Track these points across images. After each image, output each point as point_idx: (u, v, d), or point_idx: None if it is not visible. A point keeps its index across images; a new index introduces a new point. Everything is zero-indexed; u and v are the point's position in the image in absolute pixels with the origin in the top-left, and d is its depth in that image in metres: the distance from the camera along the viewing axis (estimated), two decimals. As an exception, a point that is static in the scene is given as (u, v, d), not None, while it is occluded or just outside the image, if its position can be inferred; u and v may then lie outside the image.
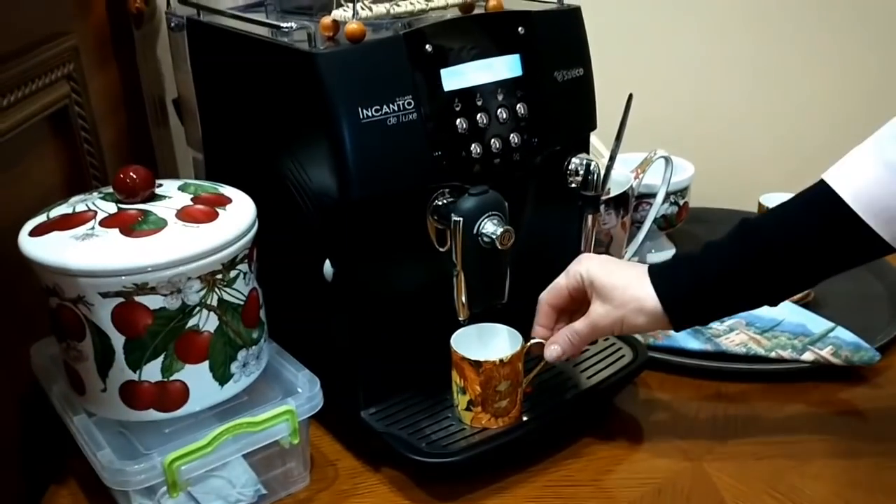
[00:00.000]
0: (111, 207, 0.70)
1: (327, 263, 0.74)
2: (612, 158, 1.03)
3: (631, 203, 1.04)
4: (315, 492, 0.77)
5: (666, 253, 1.16)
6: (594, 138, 1.15)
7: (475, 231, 0.70)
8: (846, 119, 1.21)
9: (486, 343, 0.77)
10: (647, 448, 0.81)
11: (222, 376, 0.71)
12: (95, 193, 0.73)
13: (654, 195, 1.08)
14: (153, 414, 0.70)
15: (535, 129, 0.77)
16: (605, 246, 1.02)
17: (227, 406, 0.75)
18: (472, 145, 0.73)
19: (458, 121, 0.72)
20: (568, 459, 0.79)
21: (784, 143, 1.25)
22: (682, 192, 1.11)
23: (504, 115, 0.75)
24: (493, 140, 0.75)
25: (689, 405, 0.87)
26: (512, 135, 0.76)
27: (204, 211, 0.70)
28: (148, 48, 1.11)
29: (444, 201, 0.73)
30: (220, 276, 0.69)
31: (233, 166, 0.87)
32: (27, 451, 0.79)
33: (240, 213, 0.72)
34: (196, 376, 0.70)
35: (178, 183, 0.75)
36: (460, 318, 0.73)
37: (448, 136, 0.72)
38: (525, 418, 0.77)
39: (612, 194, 1.01)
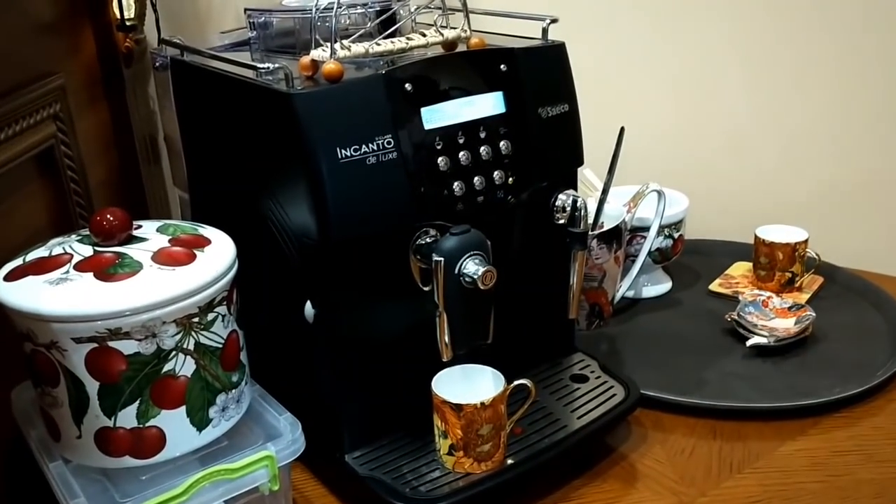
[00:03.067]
0: (87, 250, 0.69)
1: (308, 305, 0.73)
2: (604, 192, 1.02)
3: (624, 237, 1.03)
4: (297, 538, 0.75)
5: (662, 287, 1.14)
6: (588, 172, 1.14)
7: (456, 271, 0.69)
8: (844, 150, 1.20)
9: (469, 385, 0.76)
10: (639, 490, 0.79)
11: (200, 421, 0.70)
12: (73, 236, 0.72)
13: (647, 228, 1.07)
14: (129, 461, 0.68)
15: (520, 166, 0.76)
16: (598, 281, 1.01)
17: (209, 450, 0.73)
18: (455, 184, 0.72)
19: (439, 159, 0.71)
20: (556, 503, 0.77)
21: (779, 174, 1.24)
22: (677, 224, 1.10)
23: (487, 153, 0.74)
24: (476, 178, 0.74)
25: (683, 444, 0.85)
26: (496, 172, 0.75)
27: (181, 253, 0.69)
28: (138, 86, 1.11)
29: (427, 241, 0.72)
30: (196, 320, 0.67)
31: (216, 206, 0.86)
32: (11, 499, 0.77)
33: (218, 254, 0.71)
34: (173, 422, 0.68)
35: (158, 224, 0.75)
36: (444, 359, 0.72)
37: (430, 174, 0.71)
38: (510, 461, 0.75)
39: (605, 228, 0.99)
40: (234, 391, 0.73)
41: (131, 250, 0.69)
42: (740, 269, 1.18)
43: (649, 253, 1.08)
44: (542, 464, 0.76)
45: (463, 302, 0.70)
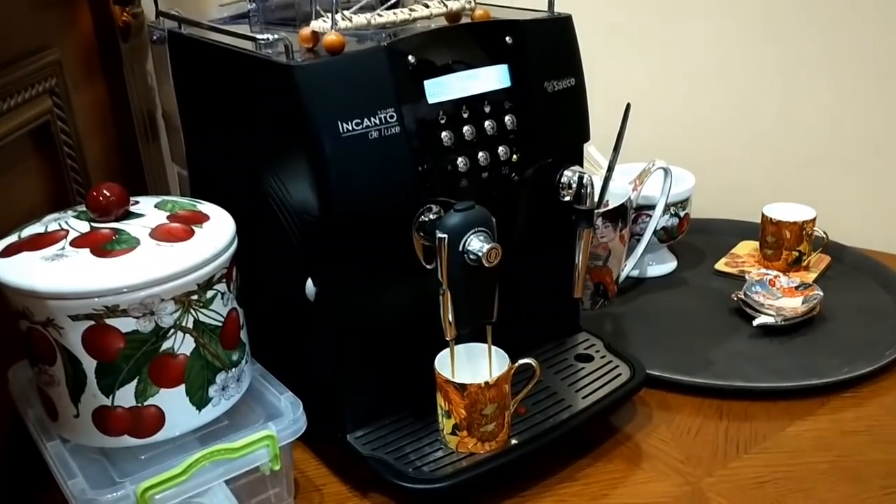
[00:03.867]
0: (84, 226, 0.68)
1: (309, 283, 0.71)
2: (610, 169, 1.01)
3: (629, 215, 1.01)
4: (299, 519, 0.74)
5: (667, 266, 1.13)
6: (592, 149, 1.13)
7: (461, 248, 0.67)
8: (852, 128, 1.18)
9: (473, 364, 0.75)
10: (644, 471, 0.78)
11: (200, 400, 0.69)
12: (70, 212, 0.71)
13: (653, 207, 1.05)
14: (127, 440, 0.67)
15: (525, 141, 0.75)
16: (602, 260, 0.99)
17: (209, 430, 0.72)
18: (459, 159, 0.71)
19: (443, 134, 0.70)
20: (561, 484, 0.76)
21: (787, 151, 1.22)
22: (683, 203, 1.08)
23: (492, 128, 0.72)
24: (480, 154, 0.72)
25: (689, 425, 0.84)
26: (500, 148, 0.73)
27: (179, 229, 0.68)
28: (136, 61, 1.10)
29: (431, 217, 0.71)
30: (195, 297, 0.66)
31: (216, 182, 0.85)
32: (11, 477, 0.76)
33: (217, 231, 0.69)
34: (172, 401, 0.67)
35: (156, 200, 0.73)
36: (447, 338, 0.71)
37: (433, 150, 0.70)
38: (514, 441, 0.74)
39: (610, 206, 0.98)
40: (234, 370, 0.71)
41: (128, 226, 0.67)
42: (746, 247, 1.17)
43: (655, 232, 1.06)
44: (546, 444, 0.75)
45: (467, 280, 0.68)
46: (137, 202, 0.72)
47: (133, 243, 0.65)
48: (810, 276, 1.08)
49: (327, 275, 0.71)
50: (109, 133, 1.07)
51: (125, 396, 0.66)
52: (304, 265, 0.72)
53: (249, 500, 0.73)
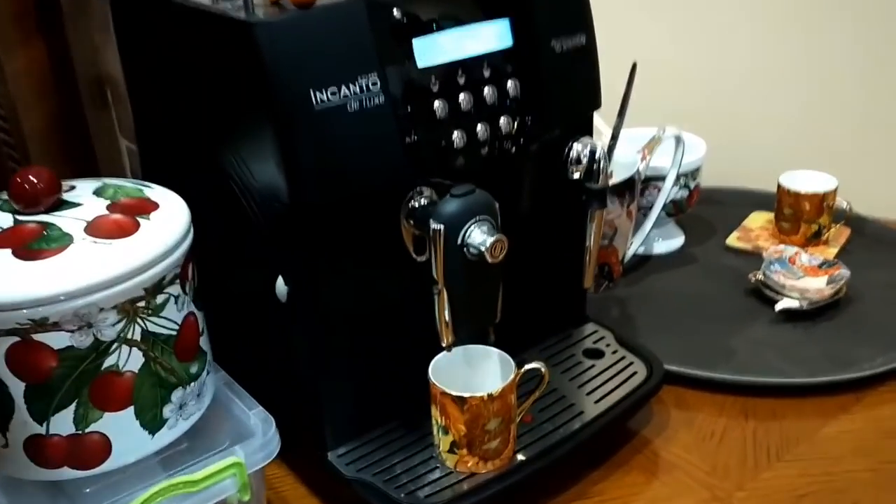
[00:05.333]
0: (6, 220, 0.56)
1: (280, 281, 0.61)
2: (614, 137, 0.90)
3: (637, 188, 0.91)
4: (273, 550, 0.65)
5: (675, 242, 1.03)
6: (595, 116, 1.02)
7: (460, 241, 0.57)
8: (875, 90, 1.08)
9: (473, 370, 0.65)
10: (666, 484, 0.69)
11: (153, 423, 0.58)
12: (-10, 202, 0.59)
13: (662, 178, 0.95)
14: (68, 472, 0.57)
15: (530, 110, 0.64)
16: (608, 238, 0.89)
17: (167, 454, 0.62)
18: (454, 133, 0.60)
19: (435, 103, 0.59)
20: (574, 502, 0.67)
21: (806, 116, 1.12)
22: (694, 173, 0.98)
23: (492, 95, 0.61)
24: (479, 126, 0.61)
25: (711, 427, 0.75)
26: (502, 119, 0.62)
27: (121, 221, 0.57)
28: (80, 18, 0.96)
29: (422, 202, 0.60)
30: (142, 304, 0.55)
31: (170, 161, 0.73)
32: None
33: (168, 222, 0.58)
34: (119, 426, 0.57)
35: (95, 185, 0.62)
36: (443, 344, 0.60)
37: (424, 122, 0.59)
38: (521, 457, 0.65)
39: (617, 179, 0.88)
40: (193, 384, 0.61)
41: (60, 219, 0.56)
42: (759, 220, 1.07)
43: (664, 205, 0.96)
44: (556, 459, 0.65)
45: (467, 277, 0.58)
46: (73, 187, 0.61)
47: (65, 241, 0.54)
48: (830, 252, 0.99)
49: (300, 272, 0.60)
50: (51, 102, 0.95)
51: (62, 423, 0.55)
52: (273, 261, 0.61)
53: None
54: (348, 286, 0.62)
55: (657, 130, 0.93)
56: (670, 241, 1.03)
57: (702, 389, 0.79)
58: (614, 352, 0.77)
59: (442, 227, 0.56)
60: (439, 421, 0.63)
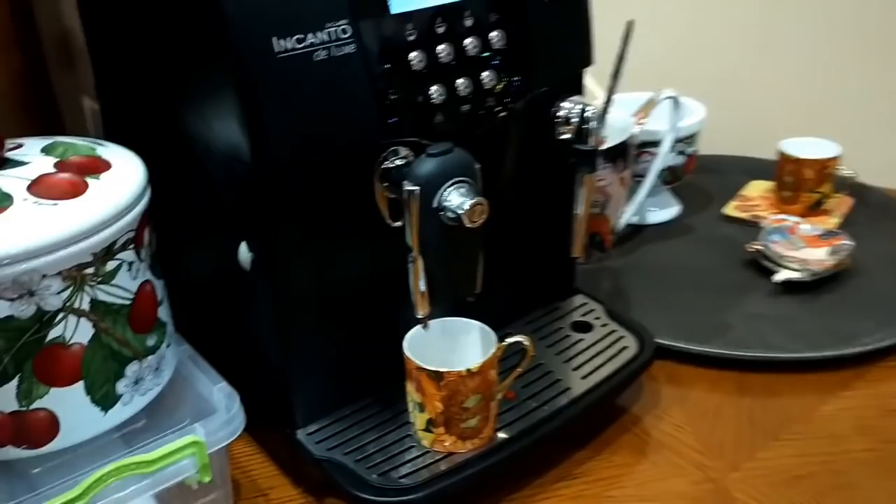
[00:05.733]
0: (-58, 179, 0.52)
1: (243, 247, 0.56)
2: (608, 100, 0.85)
3: (631, 154, 0.87)
4: (239, 532, 0.61)
5: (670, 211, 0.99)
6: (587, 77, 0.97)
7: (435, 204, 0.52)
8: (879, 53, 1.03)
9: (451, 344, 0.61)
10: (656, 464, 0.65)
11: (105, 399, 0.54)
12: (-72, 159, 0.54)
13: (657, 143, 0.91)
14: (12, 451, 0.53)
15: (517, 64, 0.59)
16: (600, 206, 0.85)
17: (127, 430, 0.58)
18: (433, 88, 0.55)
19: (412, 55, 0.54)
20: (558, 483, 0.63)
21: (810, 82, 1.07)
22: (691, 139, 0.94)
23: (475, 47, 0.57)
24: (460, 81, 0.56)
25: (705, 404, 0.71)
26: (485, 73, 0.58)
27: (68, 181, 0.52)
28: (42, -31, 0.91)
29: (397, 163, 0.55)
30: (90, 271, 0.51)
31: (131, 121, 0.68)
32: None
33: (120, 182, 0.54)
34: (67, 402, 0.53)
35: (45, 142, 0.57)
36: (419, 316, 0.56)
37: (399, 75, 0.54)
38: (502, 436, 0.61)
39: (610, 144, 0.83)
40: (150, 358, 0.57)
41: (2, 178, 0.51)
42: (757, 188, 1.03)
43: (659, 172, 0.92)
44: (540, 438, 0.62)
45: (444, 243, 0.54)
46: (20, 145, 0.57)
47: (4, 202, 0.49)
48: (832, 222, 0.94)
49: (264, 237, 0.55)
50: (13, 59, 0.90)
51: (4, 399, 0.51)
52: (237, 225, 0.57)
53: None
54: (317, 255, 0.58)
55: (653, 93, 0.88)
56: (665, 210, 0.98)
57: (695, 365, 0.75)
58: (604, 325, 0.73)
59: (417, 188, 0.52)
60: (415, 398, 0.59)
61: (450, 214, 0.52)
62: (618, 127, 0.86)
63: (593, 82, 0.96)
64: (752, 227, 0.93)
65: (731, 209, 0.99)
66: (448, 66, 0.56)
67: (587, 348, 0.70)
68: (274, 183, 0.53)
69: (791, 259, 0.85)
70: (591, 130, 0.64)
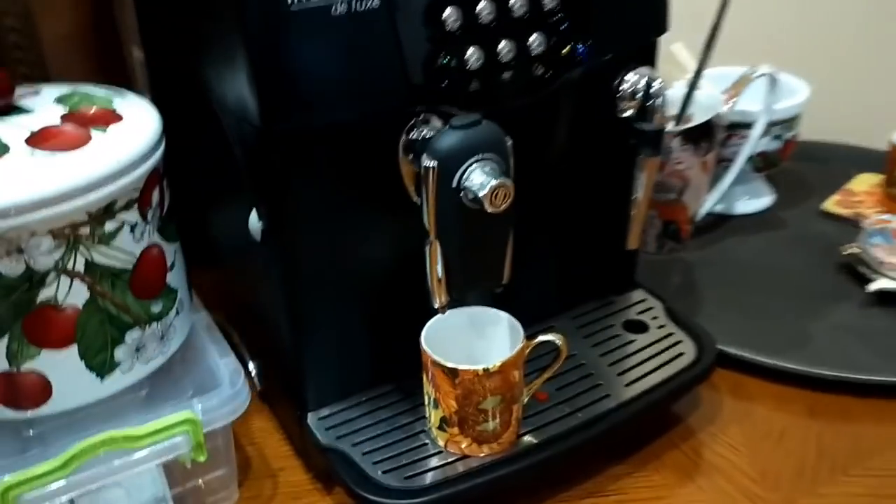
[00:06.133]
0: (-54, 123, 0.49)
1: (253, 216, 0.52)
2: (697, 73, 0.77)
3: (717, 135, 0.78)
4: (240, 514, 0.58)
5: (762, 201, 0.89)
6: (678, 46, 0.89)
7: (455, 183, 0.46)
8: None
9: (476, 336, 0.55)
10: (702, 488, 0.58)
11: (102, 366, 0.52)
12: (-60, 101, 0.52)
13: (750, 125, 0.81)
14: (5, 412, 0.51)
15: (574, 27, 0.52)
16: (676, 192, 0.77)
17: (125, 398, 0.55)
18: (469, 51, 0.49)
19: (446, 12, 0.48)
20: (586, 499, 0.57)
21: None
22: (790, 122, 0.84)
23: (521, 5, 0.50)
24: (502, 43, 0.50)
25: (769, 424, 0.63)
26: (533, 36, 0.51)
27: (71, 133, 0.49)
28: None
29: (425, 133, 0.50)
30: (85, 231, 0.48)
31: (164, 71, 0.65)
32: None
33: (127, 138, 0.50)
34: (59, 366, 0.50)
35: (63, 90, 0.54)
36: (435, 306, 0.51)
37: (431, 35, 0.48)
38: (525, 442, 0.55)
39: (694, 123, 0.75)
40: (154, 325, 0.54)
41: (4, 126, 0.49)
42: (865, 182, 0.92)
43: (750, 158, 0.83)
44: (570, 448, 0.56)
45: (463, 227, 0.48)
46: (38, 92, 0.54)
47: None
48: (949, 227, 0.83)
49: (275, 207, 0.51)
50: (83, 2, 0.88)
51: (-6, 357, 0.49)
52: (248, 193, 0.53)
53: (185, 484, 0.56)
54: (335, 227, 0.53)
55: (748, 68, 0.79)
56: (755, 201, 0.89)
57: (764, 378, 0.67)
58: (660, 326, 0.65)
59: (434, 163, 0.46)
60: (429, 392, 0.54)
61: (470, 196, 0.46)
62: (704, 104, 0.78)
63: (684, 50, 0.88)
64: (852, 226, 0.83)
65: (831, 204, 0.89)
66: (488, 27, 0.49)
67: (637, 351, 0.63)
68: (284, 148, 0.49)
69: (891, 266, 0.75)
70: (656, 108, 0.56)
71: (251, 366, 0.66)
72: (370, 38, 0.47)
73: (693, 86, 0.79)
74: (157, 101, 0.56)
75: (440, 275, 0.49)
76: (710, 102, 0.78)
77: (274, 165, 0.49)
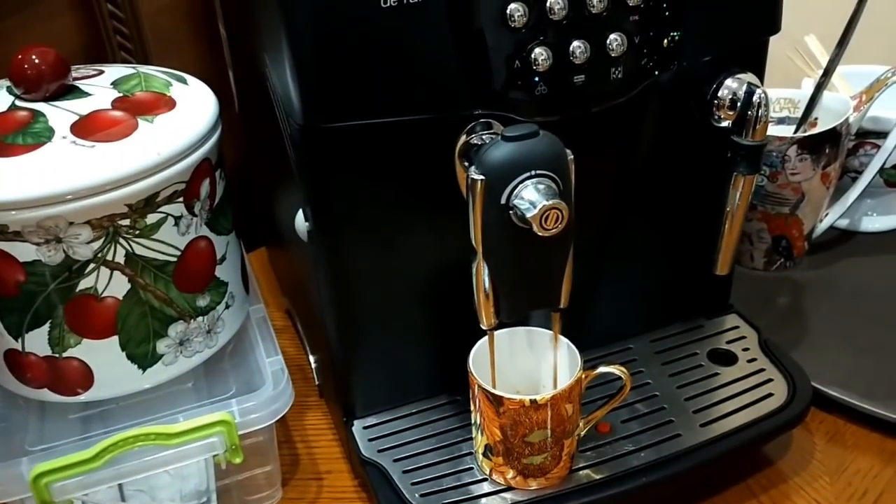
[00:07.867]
0: (5, 102, 0.49)
1: (300, 216, 0.50)
2: (827, 72, 0.69)
3: (844, 143, 0.70)
4: (281, 516, 0.56)
5: (891, 218, 0.79)
6: (812, 39, 0.80)
7: (504, 200, 0.42)
8: None
9: (537, 361, 0.51)
10: (779, 548, 0.52)
11: (144, 357, 0.51)
12: (4, 80, 0.52)
13: (884, 134, 0.72)
14: (49, 395, 0.51)
15: (662, 25, 0.46)
16: (790, 205, 0.69)
17: (168, 390, 0.54)
18: (537, 50, 0.44)
19: (511, 6, 0.43)
20: (646, 546, 0.52)
21: None
22: (934, 132, 0.74)
23: (601, 1, 0.44)
24: (575, 43, 0.44)
25: (866, 481, 0.56)
26: (613, 35, 0.45)
27: (117, 120, 0.48)
28: None
29: (484, 139, 0.45)
30: (126, 223, 0.47)
31: (240, 54, 0.63)
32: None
33: (174, 128, 0.48)
34: (101, 355, 0.50)
35: (126, 71, 0.53)
36: (483, 328, 0.47)
37: (494, 31, 0.43)
38: (578, 478, 0.50)
39: (817, 130, 0.67)
40: (201, 319, 0.52)
41: (54, 110, 0.48)
42: None
43: (881, 170, 0.73)
44: (628, 490, 0.50)
45: (512, 248, 0.43)
46: (100, 72, 0.53)
47: (42, 138, 0.46)
48: None
49: (320, 208, 0.48)
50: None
51: (37, 342, 0.49)
52: (296, 191, 0.50)
53: (231, 477, 0.55)
54: (382, 233, 0.50)
55: (884, 71, 0.69)
56: (884, 218, 0.79)
57: (869, 427, 0.59)
58: (751, 360, 0.59)
59: (482, 178, 0.41)
60: (475, 418, 0.50)
61: (519, 215, 0.42)
62: (832, 108, 0.70)
63: (818, 44, 0.79)
64: None
65: (979, 227, 0.78)
66: (560, 24, 0.44)
67: (720, 387, 0.57)
68: (330, 147, 0.45)
69: None
70: (757, 119, 0.49)
71: (311, 359, 0.64)
72: (423, 32, 0.43)
73: (820, 86, 0.70)
74: (238, 82, 0.54)
75: (488, 294, 0.45)
76: (838, 107, 0.70)
77: (319, 165, 0.46)
